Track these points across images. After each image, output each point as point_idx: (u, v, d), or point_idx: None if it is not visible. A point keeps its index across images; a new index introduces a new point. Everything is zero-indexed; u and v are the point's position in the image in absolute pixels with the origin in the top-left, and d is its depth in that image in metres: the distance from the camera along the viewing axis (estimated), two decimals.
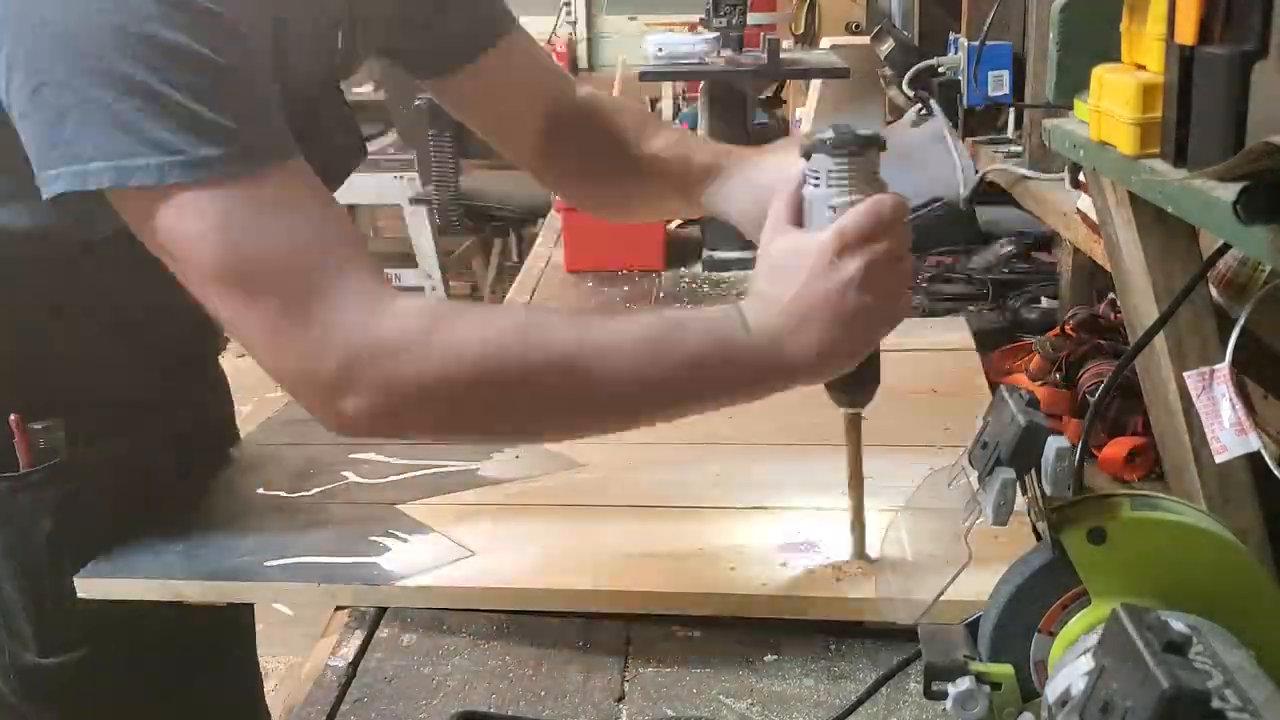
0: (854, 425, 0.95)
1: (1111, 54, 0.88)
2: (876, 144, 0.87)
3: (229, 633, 1.18)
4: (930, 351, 1.48)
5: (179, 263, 0.84)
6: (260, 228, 0.82)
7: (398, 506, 1.12)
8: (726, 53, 2.04)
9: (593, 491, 1.15)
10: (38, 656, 1.05)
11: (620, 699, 0.87)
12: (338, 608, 1.01)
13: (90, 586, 1.02)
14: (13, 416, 1.01)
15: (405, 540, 1.05)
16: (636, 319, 0.89)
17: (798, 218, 0.89)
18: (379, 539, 1.05)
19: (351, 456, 1.24)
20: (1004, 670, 0.66)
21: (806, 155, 0.88)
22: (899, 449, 1.17)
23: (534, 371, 0.84)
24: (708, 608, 0.96)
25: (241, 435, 1.31)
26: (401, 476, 1.19)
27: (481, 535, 1.06)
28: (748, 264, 1.98)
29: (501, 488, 1.16)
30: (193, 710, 1.13)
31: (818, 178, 0.87)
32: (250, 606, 1.19)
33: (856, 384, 0.92)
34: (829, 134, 0.87)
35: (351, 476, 1.19)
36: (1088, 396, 1.29)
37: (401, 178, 4.46)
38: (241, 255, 0.82)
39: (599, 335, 0.86)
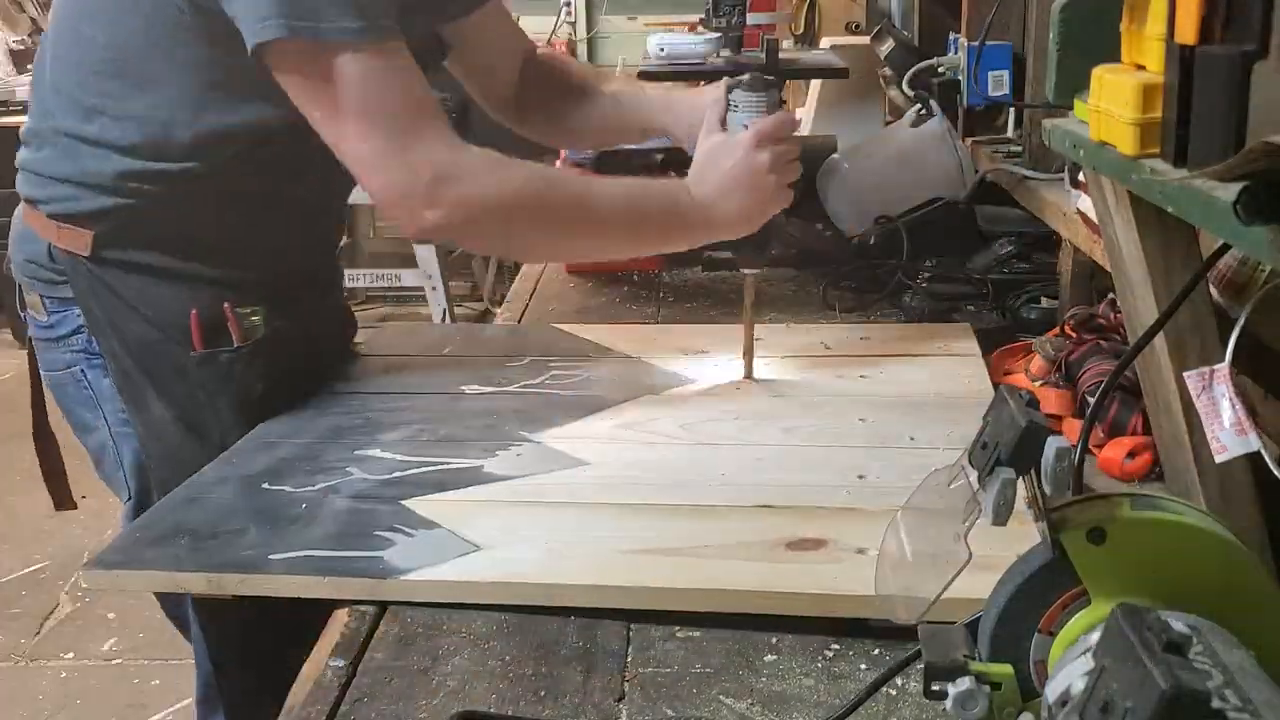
0: (751, 284, 1.41)
1: (1111, 54, 0.88)
2: (776, 85, 1.36)
3: None
4: (939, 357, 1.50)
5: (320, 105, 1.18)
6: (383, 81, 1.17)
7: (403, 502, 1.12)
8: (726, 53, 2.04)
9: (597, 489, 1.15)
10: None
11: (620, 699, 0.87)
12: (339, 606, 1.01)
13: (96, 580, 1.03)
14: (225, 304, 1.31)
15: (411, 535, 1.06)
16: (621, 180, 1.39)
17: (723, 128, 1.34)
18: (384, 534, 1.06)
19: (357, 453, 1.24)
20: (1004, 670, 0.66)
21: (729, 90, 1.34)
22: (906, 450, 1.21)
23: (558, 202, 1.28)
24: (709, 604, 0.96)
25: (247, 431, 1.33)
26: (406, 473, 1.19)
27: (487, 531, 1.06)
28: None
29: (507, 484, 1.17)
30: None
31: (736, 106, 1.34)
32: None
33: (757, 251, 1.39)
34: (745, 76, 1.34)
35: (356, 472, 1.19)
36: (1088, 396, 1.29)
37: None
38: (369, 99, 1.16)
39: (599, 186, 1.34)
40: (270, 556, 1.03)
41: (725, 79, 1.36)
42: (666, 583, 0.97)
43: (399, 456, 1.23)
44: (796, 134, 1.36)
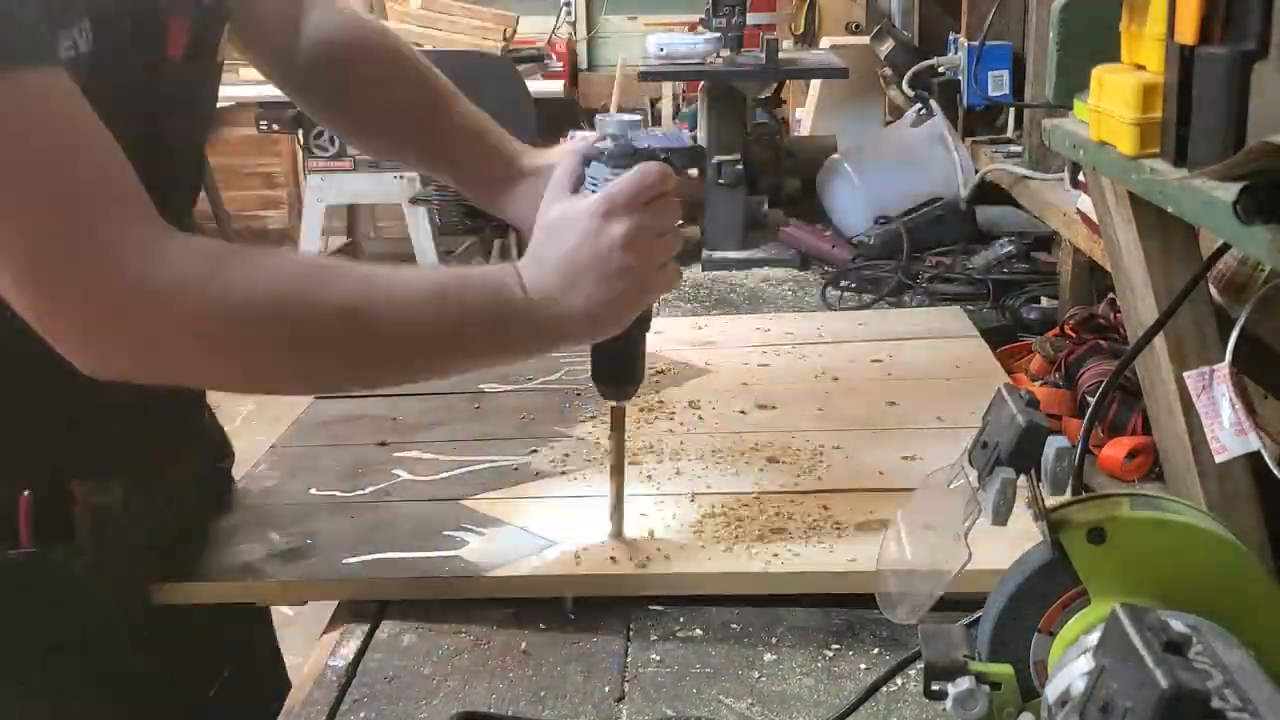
0: (619, 417, 1.03)
1: (1111, 54, 0.88)
2: (651, 156, 0.94)
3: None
4: (941, 339, 1.53)
5: None
6: (24, 140, 0.73)
7: (462, 502, 1.11)
8: (726, 53, 2.04)
9: (654, 480, 1.15)
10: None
11: (620, 699, 0.87)
12: (342, 605, 1.01)
13: (174, 592, 1.01)
14: (72, 484, 0.96)
15: (481, 534, 1.05)
16: (422, 273, 0.92)
17: (574, 190, 0.95)
18: (452, 533, 1.05)
19: (397, 455, 1.24)
20: (1004, 670, 0.66)
21: (586, 162, 0.96)
22: (942, 431, 1.24)
23: (320, 319, 0.83)
24: (804, 586, 0.98)
25: (258, 440, 1.27)
26: (452, 473, 1.19)
27: (554, 526, 1.06)
28: (747, 264, 1.99)
29: (560, 479, 1.17)
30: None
31: (595, 183, 0.94)
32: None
33: (622, 380, 1.01)
34: (608, 145, 0.95)
35: (404, 475, 1.19)
36: (1088, 396, 1.29)
37: (401, 178, 4.46)
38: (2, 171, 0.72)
39: (385, 286, 0.86)
40: (344, 561, 1.02)
41: (580, 140, 1.01)
42: (764, 568, 0.98)
43: (442, 457, 1.23)
44: (685, 186, 1.00)
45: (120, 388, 0.82)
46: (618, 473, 1.03)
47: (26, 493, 0.92)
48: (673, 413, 1.33)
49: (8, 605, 0.93)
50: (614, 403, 1.02)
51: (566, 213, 0.92)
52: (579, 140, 0.99)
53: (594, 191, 0.93)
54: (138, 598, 0.99)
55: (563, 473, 1.18)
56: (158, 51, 0.94)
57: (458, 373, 0.99)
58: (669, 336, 1.60)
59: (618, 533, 1.04)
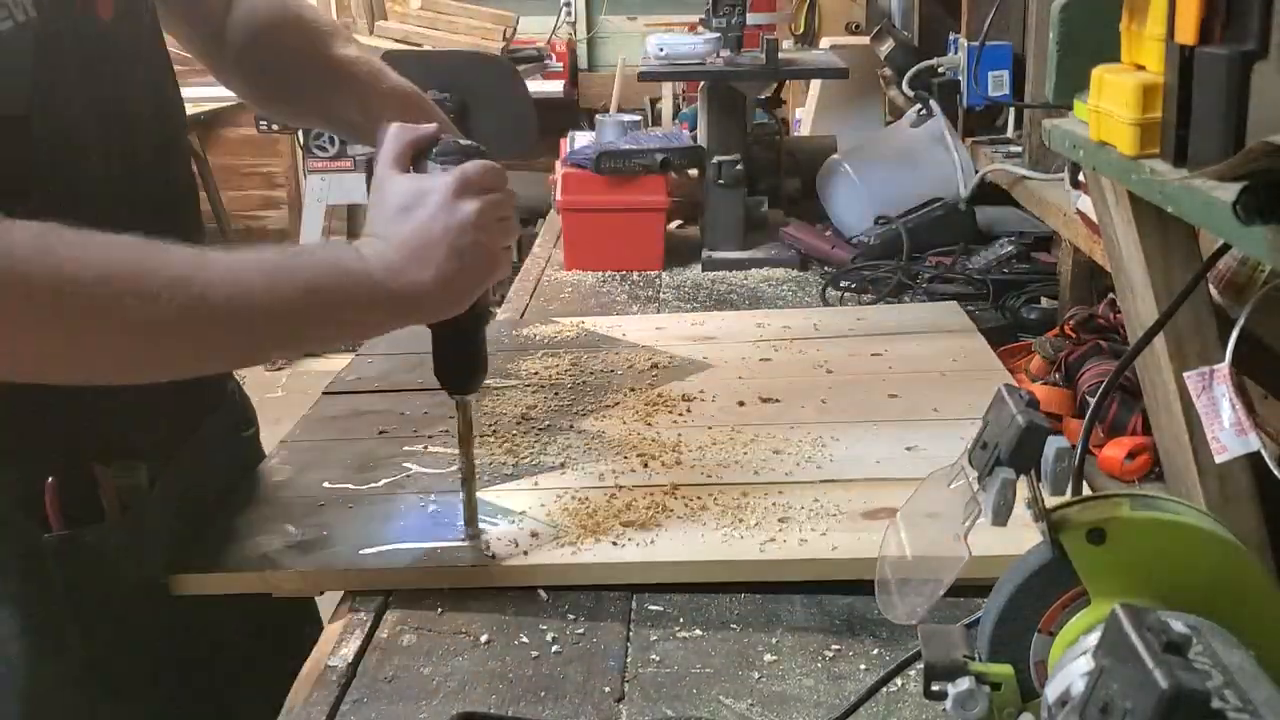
0: (465, 410, 1.04)
1: (1111, 54, 0.88)
2: (477, 153, 0.97)
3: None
4: (939, 334, 1.56)
5: None
6: None
7: (477, 494, 1.12)
8: (726, 53, 2.04)
9: (663, 473, 1.17)
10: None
11: (620, 699, 0.87)
12: (342, 605, 1.01)
13: (188, 583, 1.02)
14: (95, 469, 0.98)
15: (496, 524, 1.07)
16: (259, 250, 0.89)
17: (404, 169, 0.96)
18: (463, 524, 1.06)
19: (406, 449, 1.25)
20: (1004, 670, 0.66)
21: (414, 159, 0.97)
22: (934, 422, 1.27)
23: (150, 295, 0.80)
24: (816, 573, 0.99)
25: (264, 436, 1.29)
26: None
27: (570, 516, 1.07)
28: (747, 264, 1.99)
29: (573, 472, 1.18)
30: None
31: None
32: None
33: (470, 370, 1.02)
34: (444, 139, 0.98)
35: (414, 467, 1.20)
36: (1088, 396, 1.29)
37: None
38: None
39: (216, 262, 0.84)
40: (361, 551, 1.04)
41: (404, 132, 0.99)
42: (777, 554, 1.00)
43: (452, 450, 1.23)
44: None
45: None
46: (468, 468, 1.04)
47: (51, 479, 0.94)
48: (672, 406, 1.34)
49: (47, 582, 0.95)
50: (460, 397, 1.02)
51: (416, 189, 0.94)
52: (402, 127, 0.99)
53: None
54: (171, 569, 1.03)
55: (575, 465, 1.19)
56: (90, 12, 0.96)
57: (308, 346, 0.97)
58: (668, 332, 1.61)
59: (469, 522, 1.05)
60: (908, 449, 1.20)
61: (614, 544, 1.03)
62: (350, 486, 1.17)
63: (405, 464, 1.21)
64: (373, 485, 1.17)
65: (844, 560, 0.99)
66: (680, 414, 1.32)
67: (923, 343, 1.52)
